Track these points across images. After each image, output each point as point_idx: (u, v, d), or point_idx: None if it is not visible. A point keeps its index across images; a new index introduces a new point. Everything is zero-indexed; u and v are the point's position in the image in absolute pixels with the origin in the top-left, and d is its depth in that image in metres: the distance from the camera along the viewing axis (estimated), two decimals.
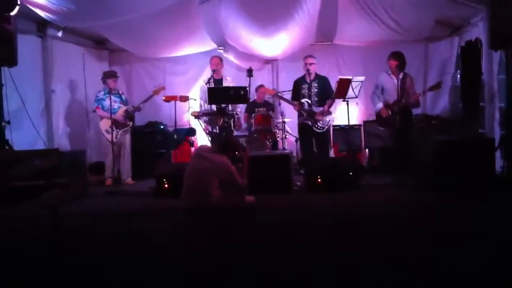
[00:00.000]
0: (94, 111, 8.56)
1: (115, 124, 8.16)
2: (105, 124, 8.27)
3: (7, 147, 6.26)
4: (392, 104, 7.70)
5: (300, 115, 8.06)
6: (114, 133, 8.10)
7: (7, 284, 3.33)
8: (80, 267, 3.66)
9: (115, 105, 8.26)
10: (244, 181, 5.70)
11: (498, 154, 6.92)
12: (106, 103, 8.16)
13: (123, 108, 8.37)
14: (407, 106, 7.70)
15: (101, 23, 8.19)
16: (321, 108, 7.90)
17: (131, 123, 8.56)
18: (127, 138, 8.58)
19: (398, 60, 7.70)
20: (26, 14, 7.15)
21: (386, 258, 3.65)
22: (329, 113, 7.98)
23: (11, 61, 6.51)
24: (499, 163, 6.90)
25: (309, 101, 7.90)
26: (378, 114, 8.02)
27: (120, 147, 8.45)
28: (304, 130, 8.03)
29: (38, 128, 7.54)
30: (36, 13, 6.94)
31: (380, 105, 7.88)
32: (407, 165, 7.41)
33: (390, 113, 7.72)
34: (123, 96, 8.63)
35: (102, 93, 8.38)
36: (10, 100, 6.59)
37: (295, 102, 8.00)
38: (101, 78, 8.49)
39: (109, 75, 8.46)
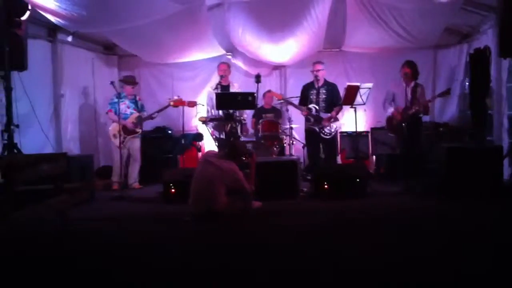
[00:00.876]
0: (107, 113, 8.60)
1: (124, 129, 8.20)
2: (114, 129, 8.31)
3: (15, 151, 6.30)
4: (402, 111, 7.70)
5: (307, 120, 8.05)
6: (121, 138, 8.15)
7: (13, 285, 3.36)
8: (88, 270, 3.69)
9: (128, 111, 8.29)
10: (251, 187, 5.71)
11: (506, 162, 6.89)
12: (120, 107, 8.16)
13: (136, 114, 8.39)
14: (417, 114, 7.70)
15: (110, 29, 8.22)
16: (328, 114, 7.90)
17: (140, 129, 8.55)
18: (136, 144, 8.54)
19: (411, 68, 7.70)
20: (37, 19, 7.21)
21: (391, 263, 3.65)
22: (337, 119, 7.98)
23: (21, 65, 6.58)
24: (507, 171, 6.88)
25: (317, 107, 7.90)
26: (389, 120, 8.03)
27: (128, 153, 8.45)
28: (311, 136, 8.02)
29: (46, 132, 7.61)
30: (47, 18, 6.99)
31: (391, 109, 7.89)
32: (415, 173, 7.40)
33: (400, 120, 7.71)
34: (139, 103, 8.60)
35: (117, 96, 8.35)
36: (20, 104, 6.65)
37: (303, 108, 8.00)
38: (119, 81, 8.53)
39: (128, 82, 8.50)
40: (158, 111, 8.57)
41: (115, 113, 8.25)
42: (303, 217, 5.77)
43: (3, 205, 4.48)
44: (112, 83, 8.05)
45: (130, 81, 8.59)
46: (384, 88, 8.27)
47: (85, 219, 5.80)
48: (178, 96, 8.57)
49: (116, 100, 8.27)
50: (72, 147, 8.61)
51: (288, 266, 3.65)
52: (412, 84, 7.77)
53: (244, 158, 5.89)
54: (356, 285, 3.23)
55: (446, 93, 7.85)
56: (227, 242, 4.51)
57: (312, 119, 7.91)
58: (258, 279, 3.37)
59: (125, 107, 8.26)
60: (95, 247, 4.53)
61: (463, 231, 4.73)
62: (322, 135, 7.88)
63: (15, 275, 3.58)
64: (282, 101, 8.73)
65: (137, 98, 8.66)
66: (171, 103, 8.38)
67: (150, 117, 8.59)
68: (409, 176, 7.39)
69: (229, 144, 6.62)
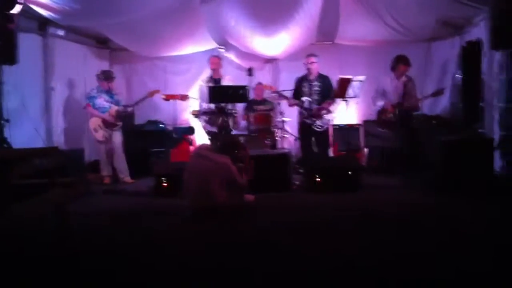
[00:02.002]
0: (85, 107, 8.55)
1: (104, 123, 8.22)
2: (93, 123, 8.28)
3: (5, 145, 6.27)
4: (393, 106, 7.73)
5: (300, 113, 8.05)
6: (102, 131, 8.17)
7: (13, 283, 3.34)
8: (87, 266, 3.70)
9: (106, 105, 8.24)
10: (245, 181, 5.70)
11: (497, 154, 6.92)
12: (98, 101, 8.23)
13: (115, 108, 8.33)
14: (408, 109, 7.73)
15: (103, 23, 8.20)
16: (320, 107, 7.90)
17: (120, 123, 8.47)
18: (118, 137, 8.44)
19: (406, 65, 7.72)
20: (27, 13, 7.14)
21: (385, 257, 3.66)
22: (329, 112, 7.97)
23: (12, 59, 6.53)
24: (498, 163, 6.90)
25: (310, 100, 7.89)
26: (378, 115, 8.05)
27: (110, 147, 8.42)
28: (304, 129, 8.02)
29: (37, 126, 7.57)
30: (37, 12, 6.95)
31: (381, 103, 7.90)
32: (407, 165, 7.43)
33: (391, 115, 7.74)
34: (115, 96, 8.50)
35: (95, 91, 8.35)
36: (10, 98, 6.61)
37: (291, 99, 7.98)
38: (96, 75, 8.45)
39: (106, 77, 8.43)
40: (136, 103, 8.55)
41: (93, 107, 8.26)
42: (296, 210, 5.79)
43: None
44: (98, 76, 8.04)
45: (108, 75, 8.52)
46: (377, 81, 8.27)
47: (83, 213, 5.76)
48: (156, 88, 8.66)
49: (93, 94, 8.30)
50: (62, 141, 8.56)
51: (283, 263, 3.66)
52: (403, 78, 7.79)
53: (237, 152, 5.87)
54: (351, 281, 3.23)
55: (439, 93, 7.91)
56: (224, 238, 4.51)
57: (305, 112, 7.90)
58: (253, 277, 3.38)
59: (103, 101, 8.21)
60: (93, 242, 4.53)
61: (456, 225, 4.76)
62: (314, 127, 7.87)
63: (12, 271, 3.56)
64: (275, 93, 8.69)
65: (114, 92, 8.60)
66: (149, 93, 8.42)
67: (126, 110, 8.53)
68: (404, 169, 7.44)
69: (222, 138, 6.60)
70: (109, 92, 8.34)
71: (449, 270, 3.33)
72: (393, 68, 7.87)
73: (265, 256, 3.82)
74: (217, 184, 5.39)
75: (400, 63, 7.78)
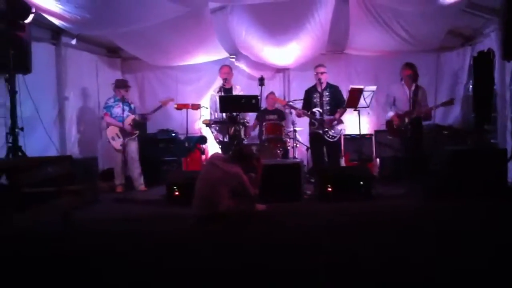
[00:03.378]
0: (102, 117, 8.61)
1: (122, 132, 8.26)
2: (111, 132, 8.34)
3: (20, 154, 6.32)
4: (403, 115, 7.75)
5: (311, 124, 8.06)
6: (120, 140, 8.21)
7: (18, 287, 3.38)
8: (92, 271, 3.70)
9: (124, 114, 8.30)
10: (255, 191, 5.71)
11: (510, 164, 6.89)
12: (115, 110, 8.31)
13: (131, 116, 8.40)
14: (418, 118, 7.73)
15: (114, 32, 8.25)
16: (332, 117, 7.91)
17: (137, 132, 8.55)
18: (134, 146, 8.52)
19: (412, 69, 7.77)
20: (41, 22, 7.23)
21: (394, 265, 3.66)
22: (341, 122, 7.97)
23: (26, 68, 6.61)
24: (511, 174, 6.88)
25: (321, 110, 7.90)
26: (388, 123, 8.07)
27: (127, 155, 8.46)
28: (315, 139, 8.02)
29: (51, 134, 7.63)
30: (50, 21, 7.00)
31: (391, 113, 7.94)
32: (418, 175, 7.41)
33: (401, 123, 7.75)
34: (132, 105, 8.63)
35: (112, 100, 8.44)
36: (24, 107, 6.67)
37: (301, 110, 8.00)
38: (113, 85, 8.52)
39: (121, 85, 8.51)
40: (152, 112, 8.60)
41: (111, 116, 8.31)
42: (307, 219, 5.75)
43: (8, 207, 4.49)
44: (114, 86, 8.10)
45: (123, 83, 8.60)
46: (387, 90, 8.30)
47: (88, 220, 5.81)
48: (169, 96, 8.80)
49: (111, 103, 8.36)
50: (76, 149, 8.64)
51: (293, 269, 3.65)
52: (413, 87, 7.81)
53: (250, 162, 5.87)
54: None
55: (450, 102, 7.92)
56: (230, 245, 4.51)
57: (316, 123, 7.91)
58: (260, 281, 3.38)
59: (120, 110, 8.26)
60: (98, 248, 4.53)
61: (467, 234, 4.72)
62: (326, 137, 7.86)
63: (19, 276, 3.59)
64: (286, 106, 8.70)
65: (130, 101, 8.68)
66: (163, 102, 8.52)
67: (145, 118, 8.62)
68: (413, 179, 7.41)
69: (235, 147, 6.61)
70: (125, 101, 8.39)
71: (458, 278, 3.33)
72: (401, 77, 7.98)
73: (272, 263, 3.82)
74: (225, 193, 5.42)
75: (404, 68, 7.89)
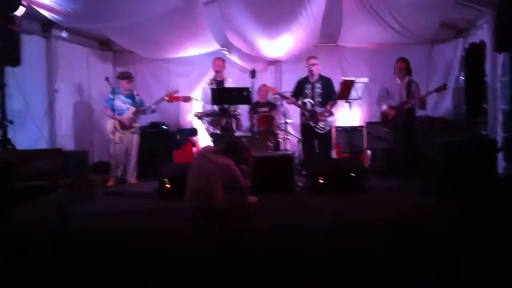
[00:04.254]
0: (103, 110, 8.61)
1: (121, 125, 8.24)
2: (111, 125, 8.33)
3: (9, 147, 6.29)
4: (397, 106, 7.78)
5: (302, 115, 8.05)
6: (118, 134, 8.19)
7: (14, 284, 3.36)
8: (88, 267, 3.73)
9: (124, 106, 8.25)
10: (247, 183, 5.71)
11: (501, 156, 6.91)
12: (116, 103, 8.19)
13: (132, 109, 8.36)
14: (412, 109, 7.80)
15: (106, 25, 8.21)
16: (324, 109, 7.91)
17: (138, 125, 8.53)
18: (134, 139, 8.52)
19: (405, 63, 7.84)
20: (31, 15, 7.17)
21: (386, 260, 3.66)
22: (331, 114, 7.97)
23: (15, 61, 6.54)
24: (501, 165, 6.90)
25: (312, 102, 7.89)
26: (383, 115, 8.11)
27: (126, 148, 8.45)
28: (306, 131, 8.01)
29: (41, 128, 7.59)
30: (41, 14, 6.96)
31: (384, 106, 7.98)
32: (410, 167, 7.44)
33: (395, 115, 7.79)
34: (137, 98, 8.54)
35: (112, 93, 8.35)
36: (13, 100, 6.64)
37: (290, 98, 7.99)
38: (115, 77, 8.48)
39: (124, 76, 8.46)
40: (156, 103, 8.55)
41: (112, 109, 8.26)
42: (299, 212, 5.79)
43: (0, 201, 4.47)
44: (106, 79, 8.05)
45: (125, 76, 8.55)
46: (379, 83, 8.33)
47: (84, 215, 5.78)
48: (173, 88, 8.74)
49: (111, 96, 8.27)
50: (66, 142, 8.59)
51: (284, 264, 3.66)
52: (406, 79, 7.88)
53: (241, 154, 5.87)
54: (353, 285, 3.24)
55: (442, 88, 7.99)
56: (224, 239, 4.52)
57: (307, 114, 7.90)
58: (253, 278, 3.39)
59: (121, 102, 8.24)
60: (94, 245, 4.52)
61: (459, 227, 4.74)
62: (316, 129, 7.86)
63: (14, 273, 3.58)
64: (276, 95, 8.70)
65: (135, 93, 8.61)
66: (166, 98, 8.43)
67: (151, 109, 8.57)
68: (405, 171, 7.44)
69: (226, 139, 6.62)
70: (129, 94, 8.33)
71: (451, 273, 3.33)
72: (394, 71, 8.03)
73: (264, 258, 3.83)
74: (218, 185, 5.41)
75: (397, 61, 7.98)
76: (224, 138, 7.37)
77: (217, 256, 3.93)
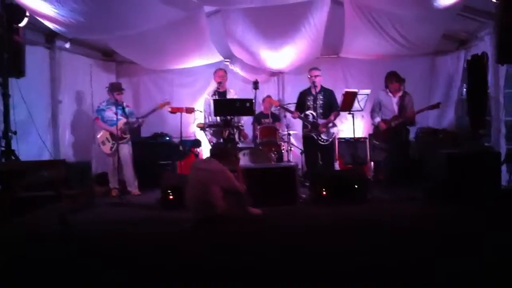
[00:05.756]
0: (94, 121, 8.61)
1: (112, 136, 8.23)
2: (101, 136, 8.32)
3: (13, 158, 6.29)
4: (390, 120, 7.86)
5: (304, 127, 8.06)
6: (109, 144, 8.21)
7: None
8: (91, 277, 3.69)
9: (115, 117, 8.20)
10: (243, 186, 5.74)
11: (504, 167, 6.91)
12: (107, 114, 8.24)
13: (123, 120, 8.29)
14: (403, 123, 7.93)
15: (109, 36, 8.24)
16: (325, 120, 7.91)
17: (128, 135, 8.45)
18: (126, 150, 8.42)
19: (399, 81, 8.03)
20: (35, 26, 7.20)
21: (389, 269, 3.66)
22: (334, 125, 7.97)
23: (19, 72, 6.58)
24: (505, 177, 6.89)
25: (314, 113, 7.89)
26: (376, 128, 8.19)
27: (118, 159, 8.38)
28: (309, 142, 8.02)
29: (44, 138, 7.59)
30: (45, 25, 6.98)
31: (378, 119, 8.04)
32: (410, 179, 7.48)
33: (385, 128, 7.89)
34: (126, 109, 8.40)
35: (105, 103, 8.37)
36: (17, 111, 6.64)
37: (296, 112, 8.00)
38: (107, 88, 8.48)
39: (115, 88, 8.44)
40: (146, 115, 8.59)
41: (102, 120, 8.28)
42: (303, 223, 5.77)
43: (3, 211, 4.47)
44: (108, 89, 8.08)
45: (116, 86, 8.50)
46: (374, 96, 8.34)
47: (85, 225, 5.79)
48: (166, 99, 8.80)
49: (102, 107, 8.32)
50: (69, 153, 8.60)
51: (286, 273, 3.65)
52: (400, 93, 7.95)
53: (230, 157, 6.00)
54: None
55: (436, 106, 8.14)
56: (227, 250, 4.51)
57: (309, 126, 7.91)
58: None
59: (112, 113, 8.17)
60: (94, 252, 4.53)
61: (462, 238, 4.72)
62: (319, 141, 7.86)
63: (16, 281, 3.58)
64: (278, 107, 8.72)
65: (125, 104, 8.51)
66: (160, 104, 8.48)
67: (137, 122, 8.59)
68: (404, 183, 7.48)
69: (212, 146, 6.65)
70: (118, 105, 8.33)
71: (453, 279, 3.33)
72: (387, 86, 8.13)
73: (268, 266, 3.82)
74: (217, 191, 5.48)
75: (392, 80, 8.09)
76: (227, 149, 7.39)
77: (216, 266, 3.92)
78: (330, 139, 7.99)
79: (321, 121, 7.88)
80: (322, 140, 7.88)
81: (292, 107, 8.40)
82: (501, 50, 6.58)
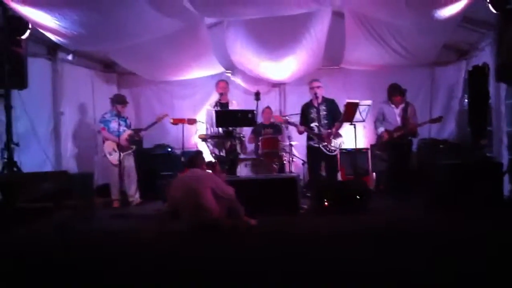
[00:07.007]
0: (99, 131, 8.62)
1: (119, 147, 8.25)
2: (108, 146, 8.35)
3: (15, 169, 6.29)
4: (392, 131, 7.88)
5: (309, 139, 8.03)
6: (117, 155, 8.22)
7: None
8: (89, 283, 3.70)
9: (120, 129, 8.28)
10: (231, 190, 5.81)
11: (506, 178, 6.90)
12: (112, 125, 8.32)
13: (128, 131, 8.42)
14: (407, 134, 7.96)
15: (111, 47, 8.27)
16: (329, 131, 7.91)
17: (134, 146, 8.59)
18: (131, 160, 8.56)
19: (401, 94, 8.01)
20: (37, 38, 7.25)
21: (390, 278, 3.65)
22: (339, 135, 7.96)
23: (22, 84, 6.61)
24: (507, 187, 6.88)
25: (318, 125, 7.88)
26: (379, 138, 8.20)
27: (124, 170, 8.43)
28: (313, 153, 7.97)
29: (46, 150, 7.61)
30: (47, 37, 7.01)
31: (382, 129, 8.04)
32: (410, 189, 7.49)
33: (387, 139, 7.92)
34: (127, 121, 8.66)
35: (109, 115, 8.45)
36: (19, 123, 6.67)
37: (301, 127, 7.98)
38: (110, 99, 8.52)
39: (119, 101, 8.50)
40: (146, 128, 8.68)
41: (108, 131, 8.32)
42: (304, 234, 5.75)
43: (4, 222, 4.48)
44: (112, 101, 8.12)
45: (121, 99, 8.60)
46: (378, 110, 8.35)
47: (86, 236, 5.77)
48: (164, 112, 8.89)
49: (108, 118, 8.38)
50: (71, 164, 8.61)
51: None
52: (403, 104, 7.95)
53: (202, 167, 6.07)
54: None
55: (438, 120, 8.21)
56: (226, 257, 4.50)
57: (316, 138, 7.87)
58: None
59: (117, 124, 8.28)
60: (94, 263, 4.50)
61: (464, 247, 4.70)
62: (326, 152, 7.81)
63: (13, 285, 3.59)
64: (283, 122, 8.68)
65: (126, 116, 8.68)
66: (158, 117, 8.60)
67: (138, 134, 8.69)
68: (406, 193, 7.47)
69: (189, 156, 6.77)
70: (121, 117, 8.38)
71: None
72: (390, 98, 8.12)
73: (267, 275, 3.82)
74: (209, 195, 5.54)
75: (395, 94, 8.09)
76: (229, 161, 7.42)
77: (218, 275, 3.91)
78: (337, 149, 7.96)
79: (325, 131, 7.84)
80: (329, 150, 7.83)
81: (294, 118, 8.38)
82: (501, 68, 6.61)
